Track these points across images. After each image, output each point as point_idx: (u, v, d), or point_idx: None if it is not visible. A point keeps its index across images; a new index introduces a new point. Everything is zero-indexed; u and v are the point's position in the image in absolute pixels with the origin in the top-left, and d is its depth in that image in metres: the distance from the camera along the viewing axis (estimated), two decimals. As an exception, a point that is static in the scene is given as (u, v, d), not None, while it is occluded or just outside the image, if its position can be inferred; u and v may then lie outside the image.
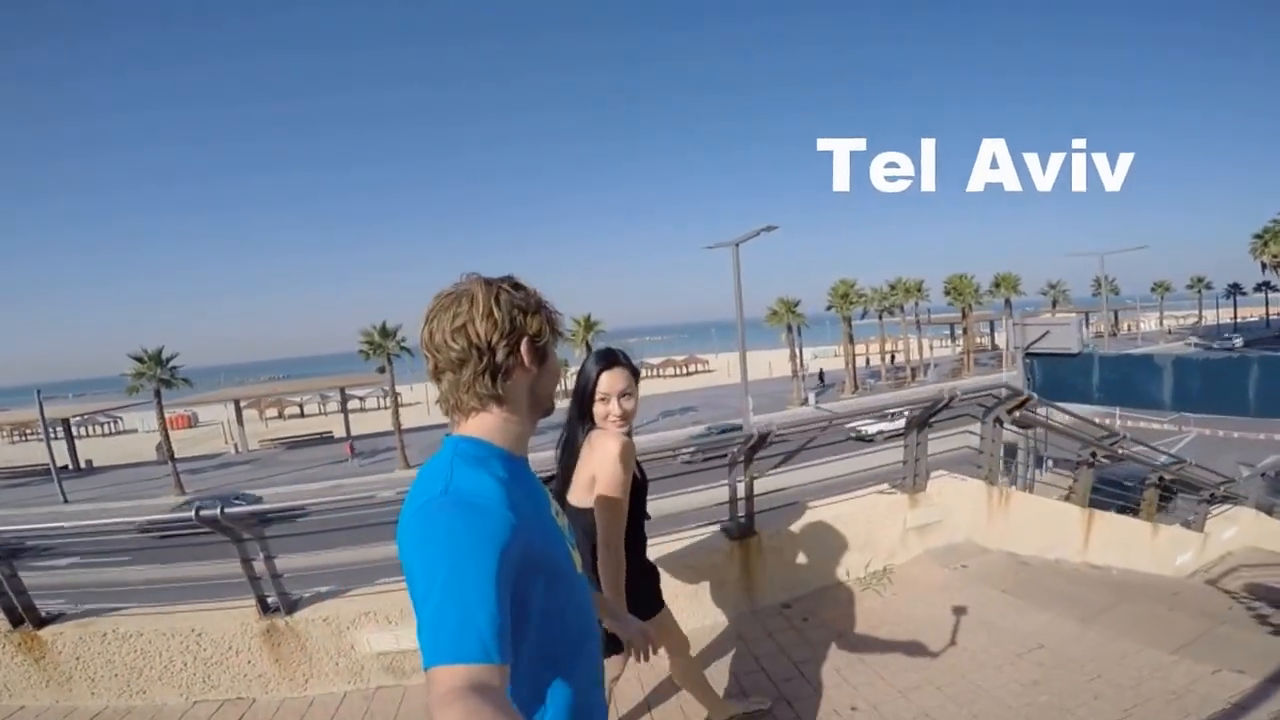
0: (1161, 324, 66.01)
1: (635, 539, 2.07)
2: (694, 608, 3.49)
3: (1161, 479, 5.88)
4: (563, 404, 1.58)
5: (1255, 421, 14.49)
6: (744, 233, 20.28)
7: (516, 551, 0.93)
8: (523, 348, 1.06)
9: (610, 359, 1.93)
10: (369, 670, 3.08)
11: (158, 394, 29.31)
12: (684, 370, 66.33)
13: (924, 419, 3.99)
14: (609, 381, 1.90)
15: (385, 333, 30.13)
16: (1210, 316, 67.69)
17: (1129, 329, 62.19)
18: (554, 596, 1.07)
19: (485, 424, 1.08)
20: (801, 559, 3.85)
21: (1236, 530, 7.23)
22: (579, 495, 1.94)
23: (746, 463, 3.53)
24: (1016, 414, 4.30)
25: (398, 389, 60.49)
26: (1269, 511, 8.49)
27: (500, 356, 1.03)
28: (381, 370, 31.24)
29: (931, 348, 45.62)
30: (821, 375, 45.10)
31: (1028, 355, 16.41)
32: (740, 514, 3.65)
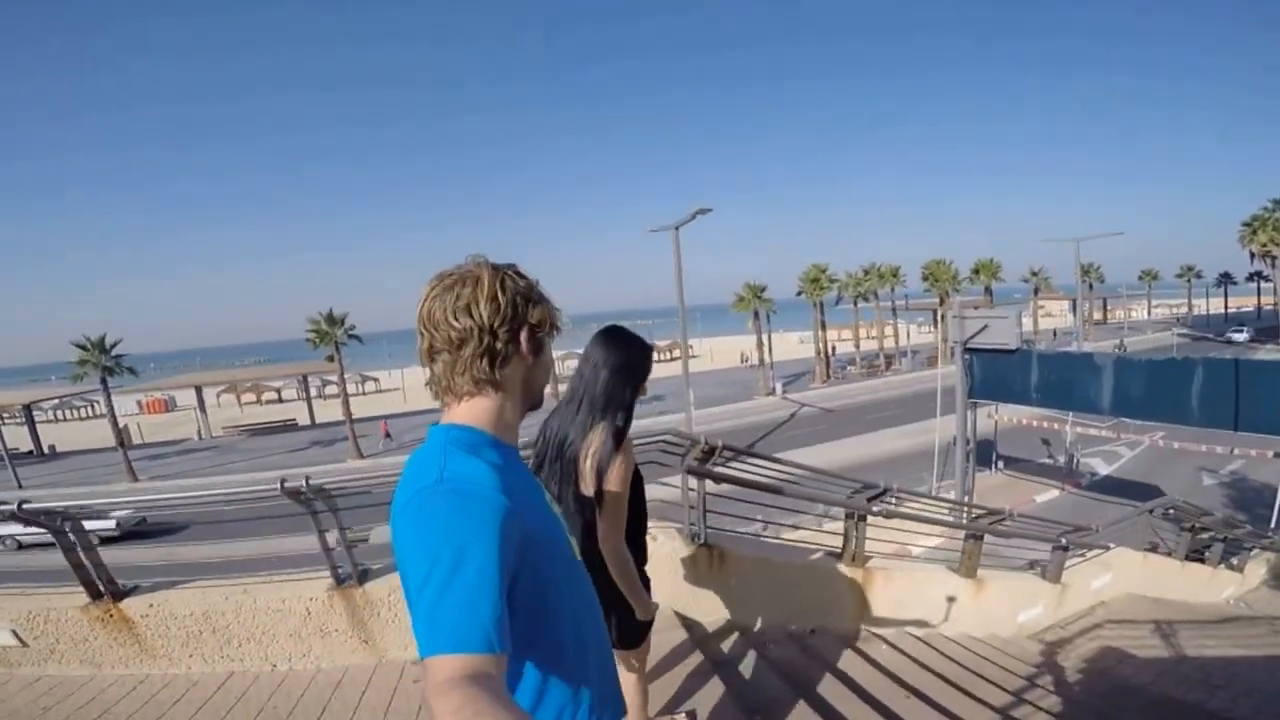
0: (1149, 313, 64.69)
1: (637, 535, 1.94)
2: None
3: (980, 531, 5.01)
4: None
5: (1207, 433, 13.41)
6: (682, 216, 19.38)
7: (515, 537, 0.93)
8: (523, 336, 1.07)
9: (647, 344, 1.86)
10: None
11: (104, 381, 28.76)
12: (668, 356, 65.34)
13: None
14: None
15: (332, 320, 29.10)
16: (1201, 306, 66.39)
17: (1122, 316, 61.02)
18: (555, 581, 1.07)
19: (477, 410, 1.07)
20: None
21: (1110, 577, 6.33)
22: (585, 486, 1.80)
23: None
24: (706, 464, 3.45)
25: (374, 374, 60.59)
26: (1165, 547, 7.61)
27: (500, 342, 1.04)
28: (330, 359, 30.35)
29: (909, 335, 44.39)
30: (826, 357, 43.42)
31: (967, 350, 15.52)
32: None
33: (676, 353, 64.61)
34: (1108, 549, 6.42)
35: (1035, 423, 18.17)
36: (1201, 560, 7.66)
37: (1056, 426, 18.85)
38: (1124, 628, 5.71)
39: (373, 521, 2.64)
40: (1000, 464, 20.38)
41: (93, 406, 56.87)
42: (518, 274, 1.08)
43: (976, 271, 40.33)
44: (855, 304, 39.52)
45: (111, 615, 3.09)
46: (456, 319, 1.01)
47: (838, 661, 3.53)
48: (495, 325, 1.02)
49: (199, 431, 40.03)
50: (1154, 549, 7.36)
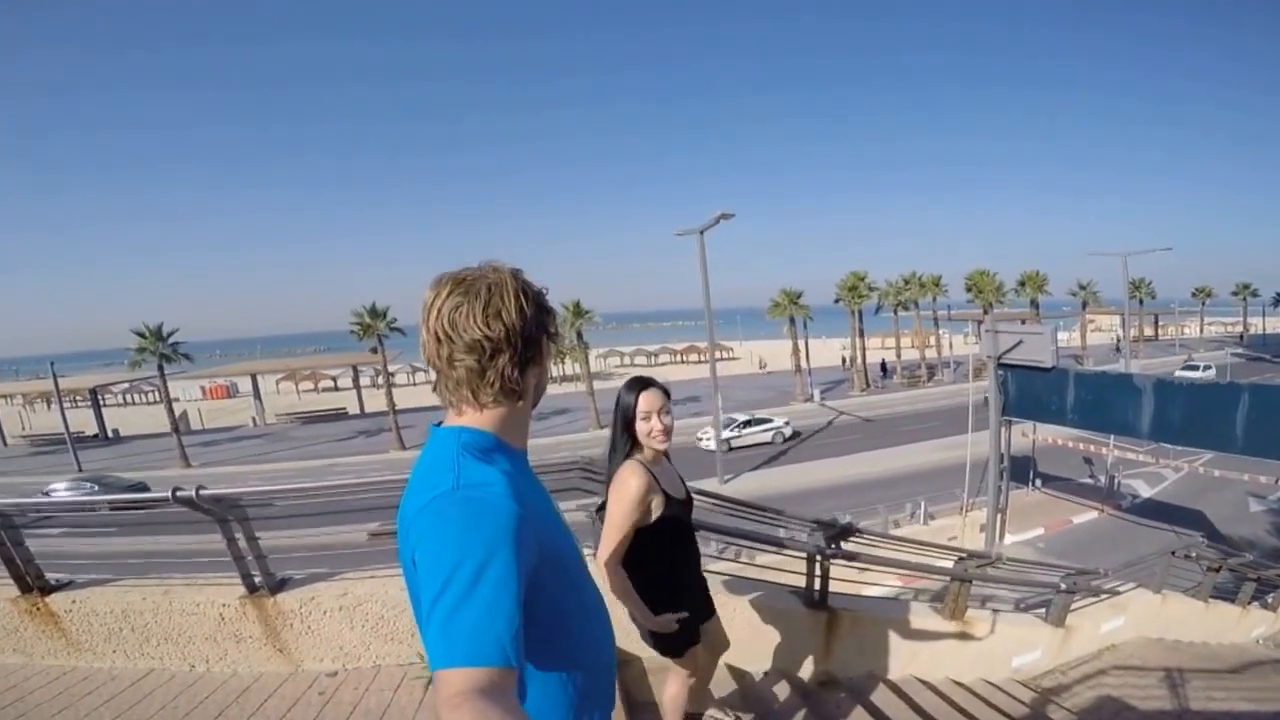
0: (1202, 330, 61.21)
1: (686, 556, 2.28)
2: None
3: (968, 577, 4.71)
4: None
5: (1249, 459, 12.66)
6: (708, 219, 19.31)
7: (530, 546, 0.92)
8: (544, 343, 1.08)
9: (643, 382, 2.12)
10: None
11: (160, 368, 30.08)
12: (708, 358, 64.97)
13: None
14: (647, 401, 2.07)
15: (375, 313, 29.93)
16: (1257, 325, 62.92)
17: (1174, 334, 58.04)
18: (565, 589, 1.07)
19: (494, 417, 1.06)
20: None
21: (1124, 620, 5.92)
22: None
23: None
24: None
25: (425, 365, 61.66)
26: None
27: (532, 350, 1.05)
28: (374, 351, 31.18)
29: (951, 345, 42.94)
30: (884, 366, 42.63)
31: (1001, 366, 14.92)
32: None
33: (717, 355, 64.34)
34: (1116, 593, 6.04)
35: (1072, 443, 17.31)
36: (1232, 599, 7.19)
37: (1093, 448, 17.98)
38: (1130, 675, 5.31)
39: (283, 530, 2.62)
40: (1038, 482, 19.60)
41: (159, 391, 59.44)
42: (529, 280, 1.07)
43: (1022, 284, 38.87)
44: (895, 313, 38.53)
45: (39, 609, 3.19)
46: (490, 327, 0.99)
47: (788, 714, 3.30)
48: (529, 333, 1.02)
49: (254, 419, 41.45)
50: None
